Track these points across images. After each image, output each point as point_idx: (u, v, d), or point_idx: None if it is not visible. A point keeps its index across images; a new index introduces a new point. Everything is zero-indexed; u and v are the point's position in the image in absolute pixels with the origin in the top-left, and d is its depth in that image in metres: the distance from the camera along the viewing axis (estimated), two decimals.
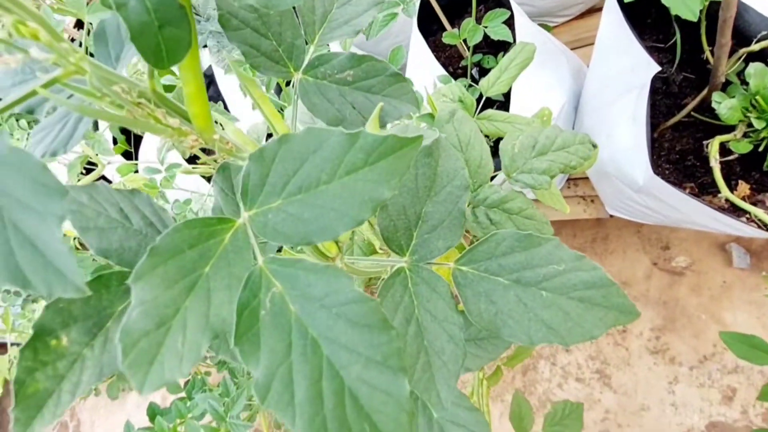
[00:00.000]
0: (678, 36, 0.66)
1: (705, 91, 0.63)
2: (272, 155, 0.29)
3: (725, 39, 0.57)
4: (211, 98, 1.01)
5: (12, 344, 1.18)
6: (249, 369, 0.28)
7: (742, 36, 0.62)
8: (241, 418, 0.91)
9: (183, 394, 1.08)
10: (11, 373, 1.16)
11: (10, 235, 0.23)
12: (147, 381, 0.28)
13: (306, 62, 0.40)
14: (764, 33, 0.60)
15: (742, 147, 0.61)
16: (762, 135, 0.59)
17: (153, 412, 0.99)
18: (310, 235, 0.29)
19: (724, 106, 0.59)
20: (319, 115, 0.40)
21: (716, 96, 0.60)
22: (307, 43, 0.41)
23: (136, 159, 1.16)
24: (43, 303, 1.13)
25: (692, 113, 0.65)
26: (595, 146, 0.53)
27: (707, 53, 0.65)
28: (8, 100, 0.29)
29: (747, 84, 0.61)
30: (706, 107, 0.63)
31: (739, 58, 0.62)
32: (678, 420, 0.69)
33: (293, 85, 0.41)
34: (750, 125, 0.60)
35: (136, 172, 1.01)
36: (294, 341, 0.28)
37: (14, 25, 0.28)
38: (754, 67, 0.59)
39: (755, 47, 0.60)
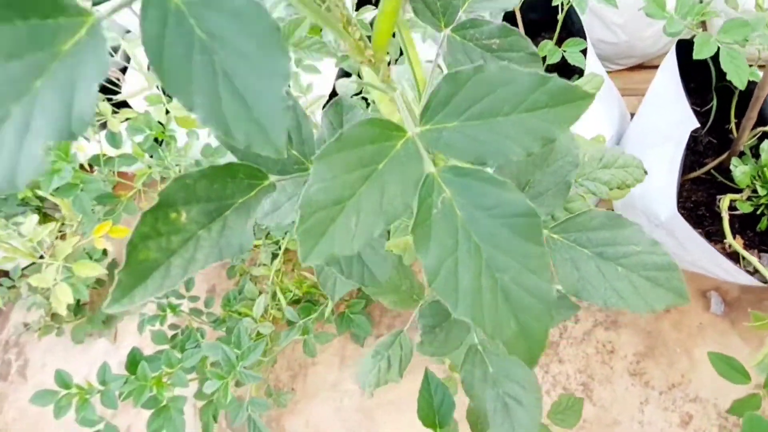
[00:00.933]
0: (714, 104, 0.73)
1: (725, 155, 0.70)
2: (465, 79, 0.30)
3: (754, 113, 0.64)
4: None
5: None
6: (418, 256, 0.30)
7: (761, 116, 0.70)
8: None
9: (167, 347, 1.01)
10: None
11: (219, 82, 0.23)
12: (315, 250, 0.29)
13: (456, 21, 0.42)
14: None
15: (745, 207, 0.68)
16: (762, 201, 0.67)
17: (135, 357, 0.90)
18: (483, 156, 0.31)
19: (739, 170, 0.66)
20: None
21: (734, 161, 0.67)
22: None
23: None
24: (33, 217, 1.06)
25: (711, 171, 0.72)
26: (646, 173, 0.58)
27: (732, 124, 0.73)
28: None
29: (757, 156, 0.68)
30: (722, 169, 0.71)
31: (755, 135, 0.70)
32: None
33: (441, 40, 0.43)
34: (754, 191, 0.67)
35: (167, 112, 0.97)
36: (460, 241, 0.30)
37: None
38: (767, 144, 0.67)
39: None
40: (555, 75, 0.30)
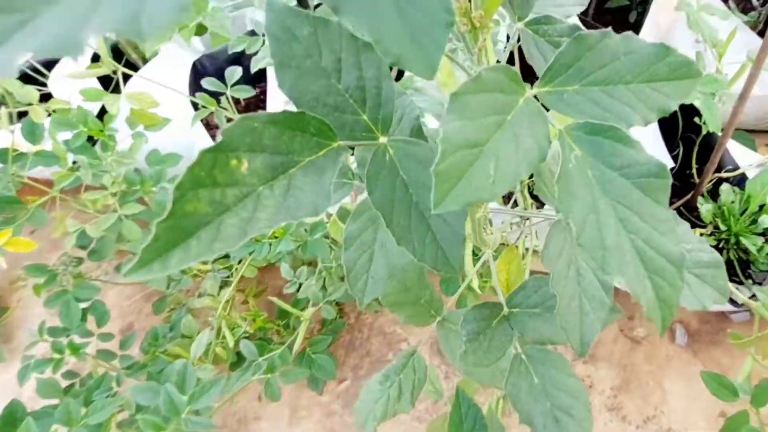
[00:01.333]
0: (681, 151, 0.85)
1: (689, 196, 0.80)
2: (592, 43, 0.32)
3: (716, 159, 0.75)
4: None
5: None
6: (561, 209, 0.29)
7: (719, 163, 0.82)
8: None
9: (56, 401, 0.81)
10: None
11: None
12: (452, 193, 0.28)
13: (530, 18, 0.45)
14: (729, 167, 0.81)
15: (711, 241, 0.77)
16: (722, 236, 0.77)
17: (14, 413, 0.71)
18: (606, 118, 0.32)
19: (705, 208, 0.76)
20: (531, 62, 0.45)
21: (701, 200, 0.77)
22: None
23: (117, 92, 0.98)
24: None
25: (680, 209, 0.82)
26: None
27: (694, 170, 0.84)
28: None
29: (714, 198, 0.80)
30: (687, 208, 0.81)
31: (711, 180, 0.81)
32: None
33: (513, 31, 0.45)
34: (716, 227, 0.77)
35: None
36: (597, 198, 0.30)
37: None
38: (725, 186, 0.78)
39: (724, 174, 0.80)
40: (676, 49, 0.33)
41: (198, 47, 1.36)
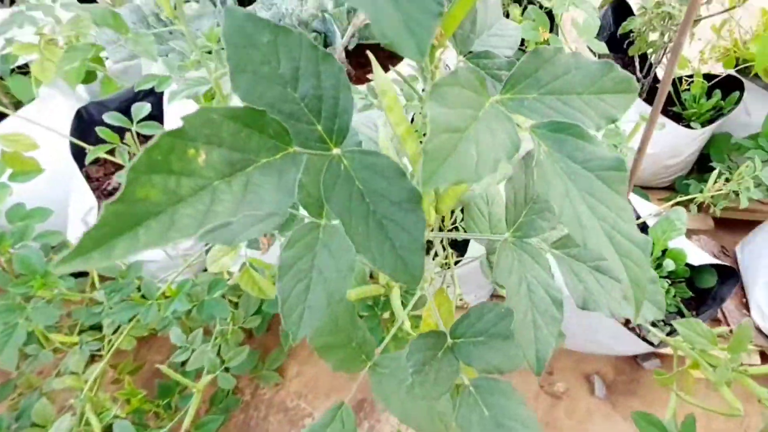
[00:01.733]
0: None
1: None
2: (548, 56, 0.38)
3: None
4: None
5: None
6: (540, 192, 0.33)
7: None
8: None
9: None
10: None
11: None
12: (440, 171, 0.31)
13: (471, 52, 0.50)
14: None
15: None
16: None
17: None
18: (563, 118, 0.37)
19: None
20: None
21: None
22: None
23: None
24: None
25: None
26: None
27: None
28: None
29: None
30: None
31: None
32: None
33: (456, 63, 0.50)
34: None
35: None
36: (568, 187, 0.35)
37: None
38: None
39: None
40: (618, 65, 0.39)
41: (82, 95, 1.32)
